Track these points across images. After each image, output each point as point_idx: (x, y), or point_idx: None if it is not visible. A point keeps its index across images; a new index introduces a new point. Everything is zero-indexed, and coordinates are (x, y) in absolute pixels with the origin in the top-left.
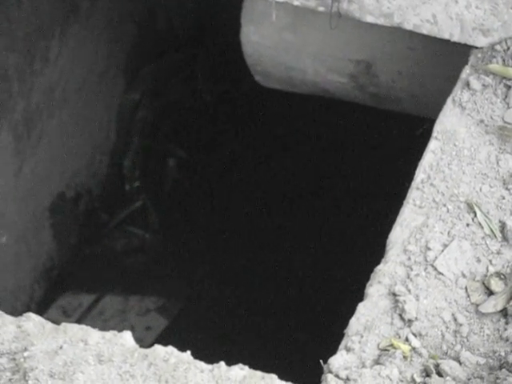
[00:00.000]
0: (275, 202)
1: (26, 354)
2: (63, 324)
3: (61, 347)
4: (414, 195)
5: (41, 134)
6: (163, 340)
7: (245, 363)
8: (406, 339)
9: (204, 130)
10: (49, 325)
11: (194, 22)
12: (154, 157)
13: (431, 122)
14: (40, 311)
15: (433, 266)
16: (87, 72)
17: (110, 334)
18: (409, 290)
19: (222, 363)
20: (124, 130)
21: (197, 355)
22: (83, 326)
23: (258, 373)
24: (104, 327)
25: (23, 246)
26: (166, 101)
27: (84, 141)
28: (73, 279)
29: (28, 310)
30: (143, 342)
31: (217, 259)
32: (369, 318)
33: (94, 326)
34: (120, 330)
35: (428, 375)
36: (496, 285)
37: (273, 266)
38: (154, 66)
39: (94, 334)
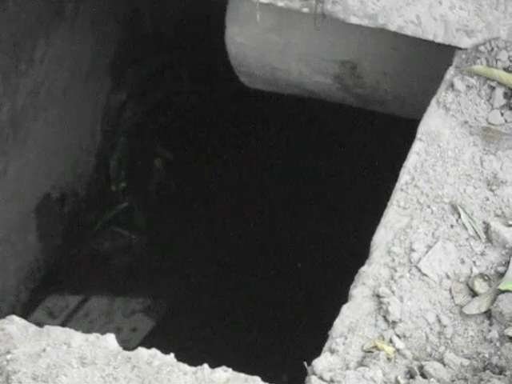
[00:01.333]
0: (263, 202)
1: (8, 356)
2: (46, 327)
3: (44, 350)
4: (398, 197)
5: (26, 135)
6: (149, 341)
7: (229, 365)
8: (390, 341)
9: (190, 130)
10: (32, 328)
11: (179, 22)
12: (140, 157)
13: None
14: (26, 312)
15: (417, 267)
16: (73, 73)
17: (93, 337)
18: (393, 292)
19: (206, 366)
20: (110, 130)
21: (182, 357)
22: (66, 329)
23: (242, 375)
24: (90, 328)
25: (9, 248)
26: (152, 101)
27: (70, 142)
28: (59, 280)
29: (14, 311)
30: (129, 344)
31: (203, 260)
32: (353, 319)
33: (79, 328)
34: (106, 332)
35: (412, 377)
36: (480, 286)
37: (261, 266)
38: (139, 66)
39: (77, 337)
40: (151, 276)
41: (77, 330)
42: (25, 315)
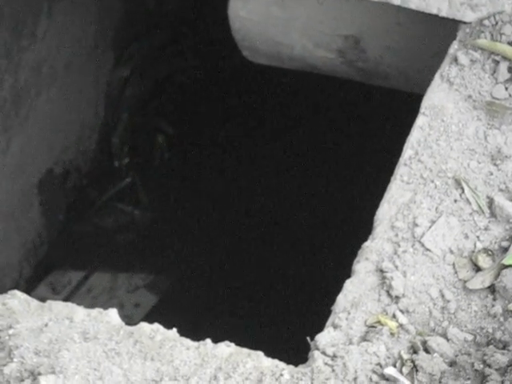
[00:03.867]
0: (266, 177)
1: (10, 331)
2: (48, 302)
3: (46, 325)
4: (401, 171)
5: (29, 111)
6: (152, 317)
7: (232, 340)
8: (394, 316)
9: (193, 106)
10: (34, 302)
11: None
12: (142, 133)
13: None
14: (29, 288)
15: (420, 242)
16: (75, 48)
17: (95, 312)
18: (396, 267)
19: (208, 340)
20: (113, 106)
21: (185, 332)
22: (68, 304)
23: (245, 350)
24: (93, 304)
25: (12, 224)
26: (155, 77)
27: (72, 117)
28: (62, 256)
29: (17, 287)
30: (132, 319)
31: (206, 235)
32: (356, 294)
33: (82, 303)
34: (109, 307)
35: (415, 352)
36: (484, 261)
37: (263, 243)
38: (142, 42)
39: (79, 312)
40: (154, 252)
41: (79, 305)
42: (28, 291)
